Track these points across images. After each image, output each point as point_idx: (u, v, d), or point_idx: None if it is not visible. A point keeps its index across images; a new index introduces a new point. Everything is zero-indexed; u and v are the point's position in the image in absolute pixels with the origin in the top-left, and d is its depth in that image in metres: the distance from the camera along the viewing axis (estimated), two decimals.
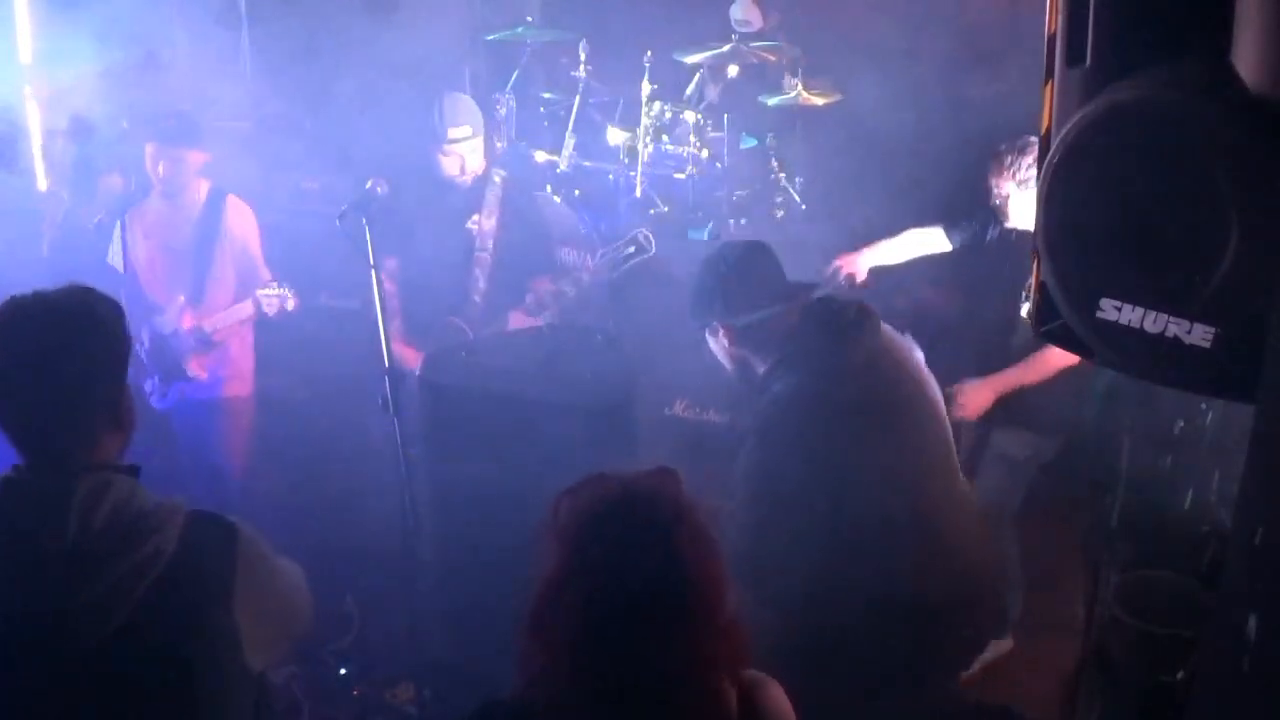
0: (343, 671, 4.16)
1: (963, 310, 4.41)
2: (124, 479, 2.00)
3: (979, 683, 3.87)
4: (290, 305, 4.48)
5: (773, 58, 6.30)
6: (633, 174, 6.10)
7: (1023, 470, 4.31)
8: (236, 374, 4.78)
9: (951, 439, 3.18)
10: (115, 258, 4.58)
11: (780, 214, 6.35)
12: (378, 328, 3.55)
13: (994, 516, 4.02)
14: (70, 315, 2.00)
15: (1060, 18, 1.71)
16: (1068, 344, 1.80)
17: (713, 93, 6.28)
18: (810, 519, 2.79)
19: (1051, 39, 1.73)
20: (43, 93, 5.12)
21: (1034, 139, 4.04)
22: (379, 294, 3.66)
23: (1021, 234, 4.10)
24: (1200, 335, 1.58)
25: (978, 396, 4.10)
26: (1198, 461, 3.69)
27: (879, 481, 2.85)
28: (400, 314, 4.47)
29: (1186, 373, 1.62)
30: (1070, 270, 1.73)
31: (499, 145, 6.29)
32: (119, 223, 4.57)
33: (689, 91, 6.35)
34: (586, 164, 6.30)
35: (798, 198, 6.32)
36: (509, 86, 6.45)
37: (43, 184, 5.15)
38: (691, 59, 6.26)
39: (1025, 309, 3.98)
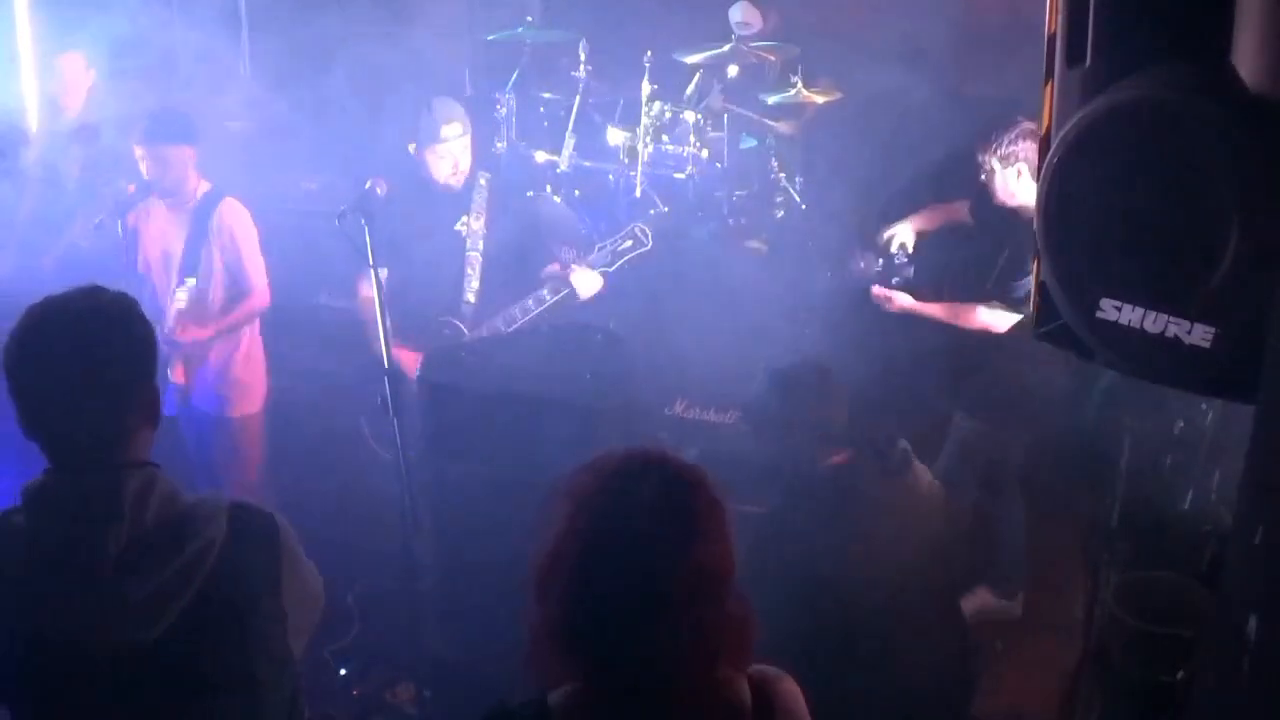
0: (343, 672, 4.16)
1: (939, 290, 4.59)
2: (164, 475, 2.02)
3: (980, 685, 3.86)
4: (179, 306, 4.42)
5: (773, 57, 6.30)
6: (633, 174, 6.10)
7: (977, 450, 4.55)
8: (241, 393, 4.72)
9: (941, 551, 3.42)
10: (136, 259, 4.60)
11: (780, 214, 6.35)
12: (374, 326, 3.55)
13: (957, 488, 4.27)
14: (102, 314, 2.01)
15: (1060, 18, 1.71)
16: (1068, 344, 1.79)
17: (718, 102, 6.28)
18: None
19: (1051, 39, 1.73)
20: (43, 96, 5.10)
21: (1024, 118, 4.25)
22: (379, 294, 3.66)
23: (1001, 211, 4.38)
24: (1200, 335, 1.57)
25: (903, 302, 4.51)
26: (1198, 461, 3.69)
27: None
28: (392, 318, 4.45)
29: (1186, 373, 1.62)
30: (1070, 270, 1.73)
31: (499, 145, 6.29)
32: (120, 223, 4.57)
33: (689, 91, 6.35)
34: (586, 164, 6.30)
35: (798, 198, 6.31)
36: (509, 86, 6.44)
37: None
38: (691, 59, 6.26)
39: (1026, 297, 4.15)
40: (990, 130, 4.35)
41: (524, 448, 3.69)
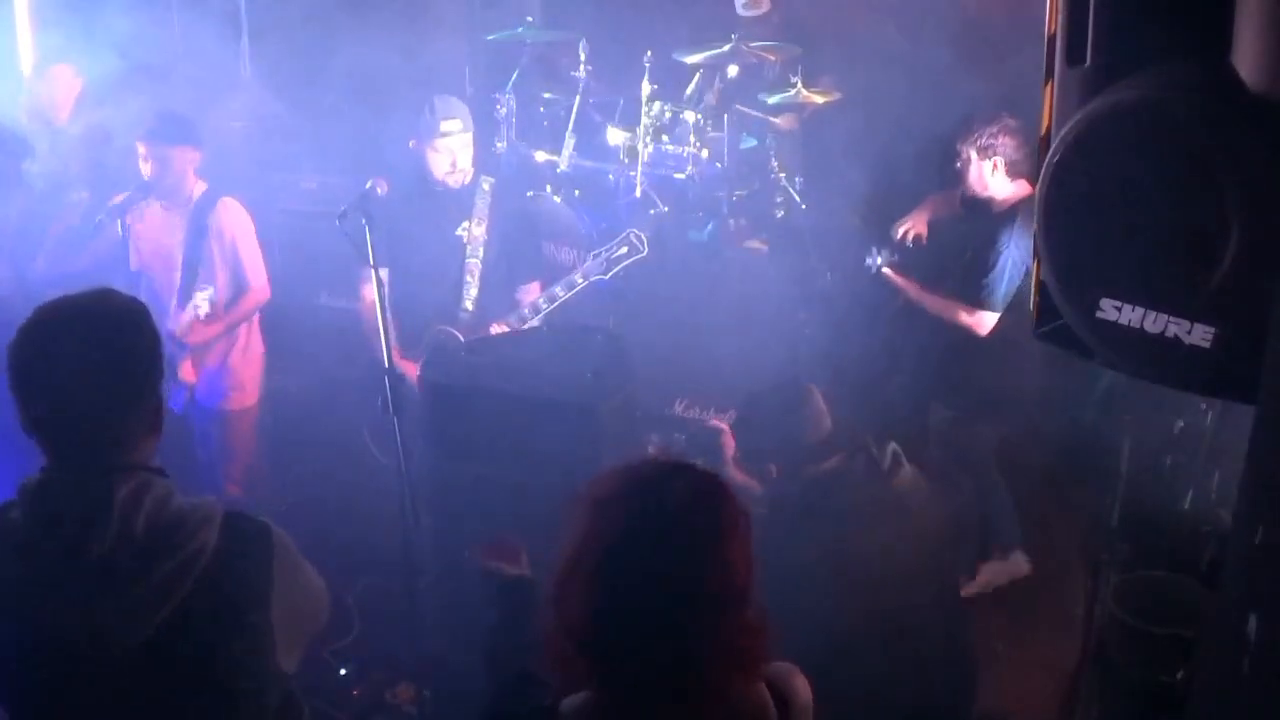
0: (343, 671, 4.15)
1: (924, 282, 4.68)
2: (161, 481, 2.01)
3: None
4: (203, 312, 4.40)
5: (773, 57, 6.30)
6: (633, 174, 6.09)
7: (961, 436, 4.67)
8: (238, 386, 4.76)
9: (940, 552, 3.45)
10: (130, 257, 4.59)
11: (780, 214, 6.35)
12: (374, 326, 3.55)
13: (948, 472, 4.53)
14: (111, 317, 2.02)
15: (1060, 18, 1.71)
16: (1068, 344, 1.79)
17: (711, 97, 6.28)
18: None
19: (1051, 39, 1.73)
20: (43, 99, 5.09)
21: (1007, 115, 4.34)
22: (379, 294, 3.65)
23: (972, 201, 4.50)
24: (1200, 335, 1.58)
25: (910, 287, 4.59)
26: (1198, 461, 3.69)
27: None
28: (393, 324, 4.45)
29: (1186, 373, 1.62)
30: (1070, 270, 1.73)
31: (499, 146, 6.29)
32: (119, 223, 4.57)
33: (689, 91, 6.35)
34: (586, 164, 6.29)
35: (798, 197, 6.32)
36: (509, 86, 6.44)
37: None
38: (691, 59, 6.26)
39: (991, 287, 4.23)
40: (971, 121, 4.41)
41: (524, 447, 3.69)
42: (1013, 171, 4.39)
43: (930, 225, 4.75)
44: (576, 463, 3.50)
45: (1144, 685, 3.38)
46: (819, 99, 6.08)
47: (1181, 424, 3.80)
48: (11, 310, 2.05)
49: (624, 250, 4.31)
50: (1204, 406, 3.64)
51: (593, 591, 1.72)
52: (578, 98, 6.28)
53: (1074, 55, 1.70)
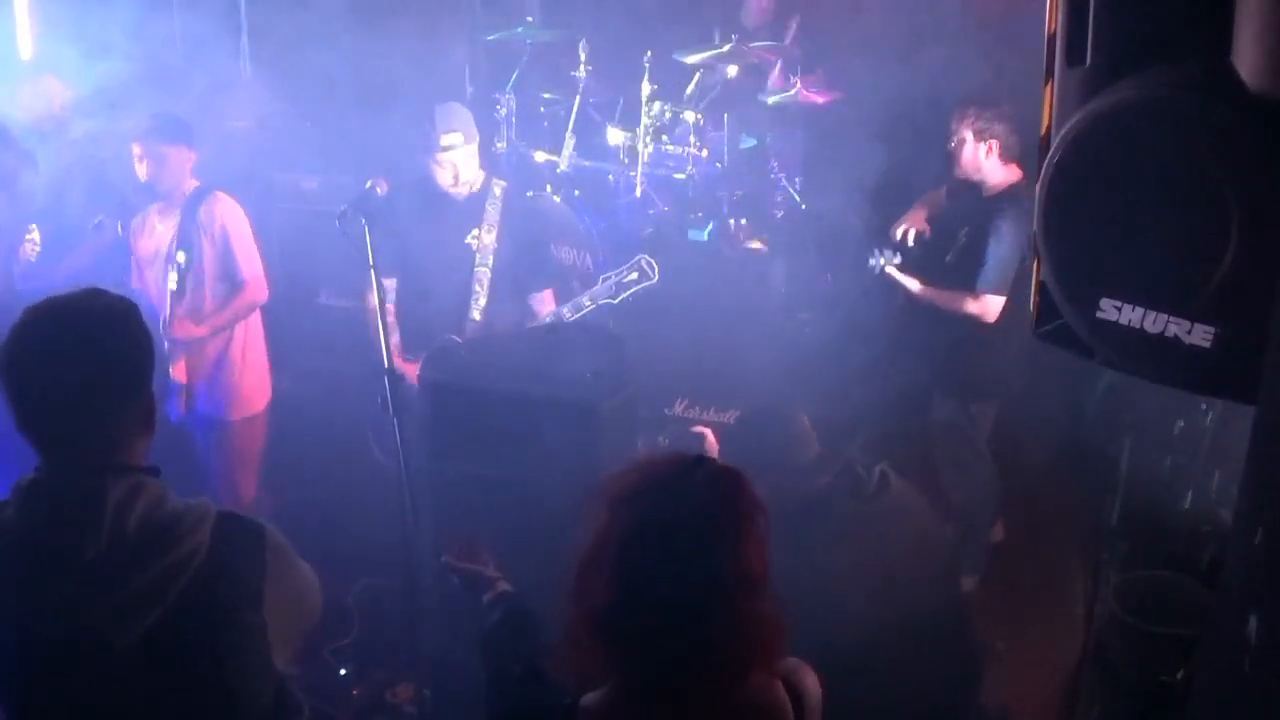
0: (343, 672, 4.16)
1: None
2: (154, 481, 2.01)
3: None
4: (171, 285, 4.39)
5: (773, 57, 6.31)
6: (633, 174, 6.10)
7: (961, 426, 4.74)
8: (237, 393, 4.68)
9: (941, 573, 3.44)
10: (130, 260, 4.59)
11: (780, 214, 6.35)
12: (375, 327, 3.55)
13: (960, 459, 4.73)
14: (103, 316, 2.01)
15: (1060, 18, 1.71)
16: (1068, 344, 1.79)
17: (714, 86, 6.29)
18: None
19: (1051, 39, 1.73)
20: (43, 99, 5.08)
21: (1005, 105, 4.38)
22: (379, 294, 3.65)
23: (962, 184, 4.55)
24: (1200, 335, 1.57)
25: (914, 285, 4.59)
26: (1198, 461, 3.69)
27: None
28: (400, 330, 4.42)
29: (1186, 373, 1.62)
30: (1070, 270, 1.72)
31: (499, 146, 6.29)
32: (119, 223, 4.57)
33: (689, 91, 6.35)
34: (586, 164, 6.30)
35: (797, 197, 6.32)
36: (509, 86, 6.45)
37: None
38: (691, 59, 6.26)
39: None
40: (968, 104, 4.44)
41: (524, 447, 3.69)
42: (1006, 156, 4.42)
43: (927, 221, 4.77)
44: (576, 463, 3.50)
45: (1144, 685, 3.38)
46: (819, 99, 6.09)
47: (1181, 424, 3.80)
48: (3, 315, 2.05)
49: (634, 276, 4.26)
50: (1204, 406, 3.64)
51: (614, 584, 1.75)
52: (578, 98, 6.29)
53: (1074, 55, 1.69)
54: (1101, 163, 1.64)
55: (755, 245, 6.21)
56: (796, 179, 6.37)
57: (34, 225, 4.24)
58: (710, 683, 1.77)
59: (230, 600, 1.99)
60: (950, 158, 4.51)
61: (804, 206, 6.28)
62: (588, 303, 4.34)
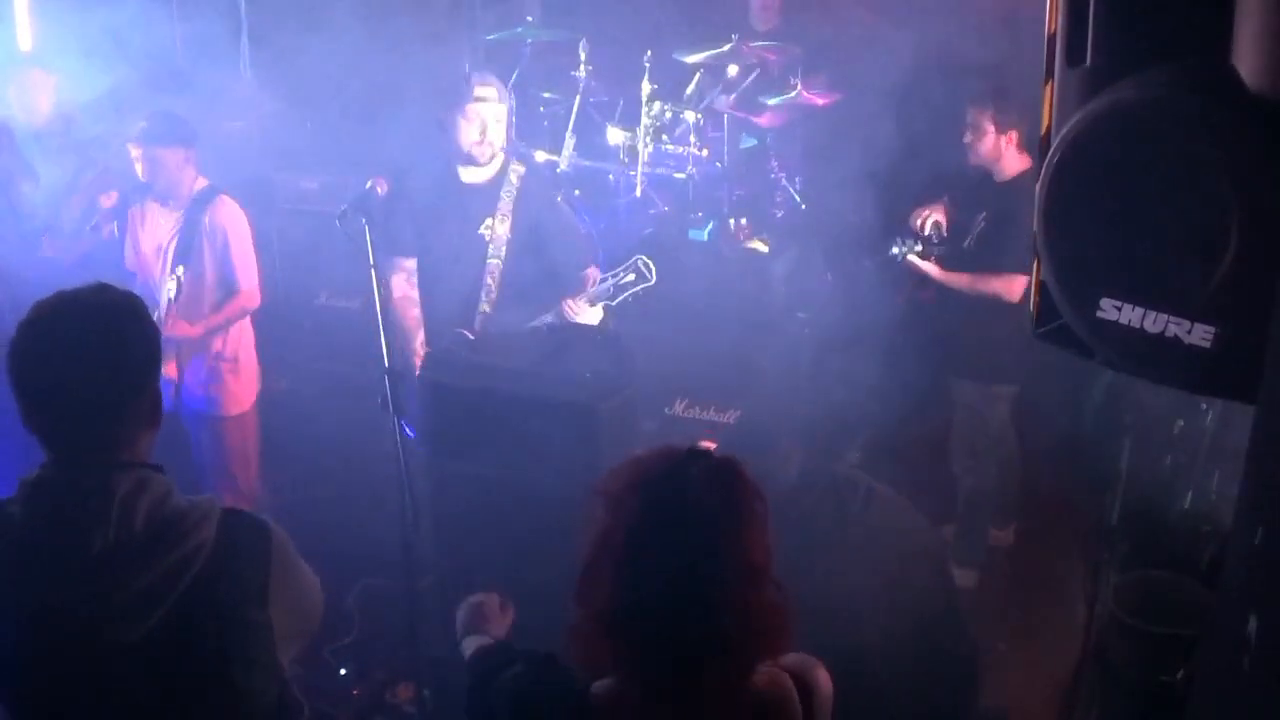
0: (343, 671, 4.16)
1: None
2: (159, 477, 2.01)
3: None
4: (170, 293, 4.37)
5: (773, 57, 6.30)
6: (633, 174, 6.10)
7: (985, 412, 4.80)
8: (231, 392, 4.68)
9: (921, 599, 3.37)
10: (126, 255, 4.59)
11: (780, 214, 6.35)
12: (377, 327, 3.54)
13: (975, 452, 4.80)
14: (109, 311, 2.01)
15: (1060, 18, 1.71)
16: (1068, 344, 1.79)
17: (725, 103, 6.28)
18: None
19: (1051, 39, 1.73)
20: (22, 104, 5.07)
21: (1022, 95, 4.39)
22: (379, 294, 3.65)
23: (977, 172, 4.61)
24: (1200, 335, 1.57)
25: (934, 271, 4.66)
26: (1198, 461, 3.69)
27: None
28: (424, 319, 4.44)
29: (1186, 373, 1.62)
30: (1070, 270, 1.72)
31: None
32: (115, 224, 4.57)
33: (689, 91, 6.35)
34: (586, 164, 6.30)
35: (798, 198, 6.32)
36: (509, 86, 6.43)
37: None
38: (691, 59, 6.26)
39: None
40: (990, 94, 4.50)
41: (524, 447, 3.69)
42: (1023, 146, 4.51)
43: (946, 213, 4.81)
44: (576, 463, 3.50)
45: (1144, 685, 3.38)
46: (819, 99, 6.09)
47: (1181, 424, 3.80)
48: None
49: (632, 277, 4.24)
50: (1204, 406, 3.63)
51: (618, 583, 1.76)
52: (578, 98, 6.29)
53: (1074, 55, 1.69)
54: (1101, 163, 1.64)
55: (755, 245, 6.21)
56: (796, 179, 6.37)
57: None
58: (720, 673, 1.78)
59: (235, 597, 1.99)
60: (968, 147, 4.58)
61: (804, 206, 6.28)
62: (586, 303, 4.33)
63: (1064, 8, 1.69)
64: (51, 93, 5.07)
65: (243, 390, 4.73)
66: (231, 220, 4.55)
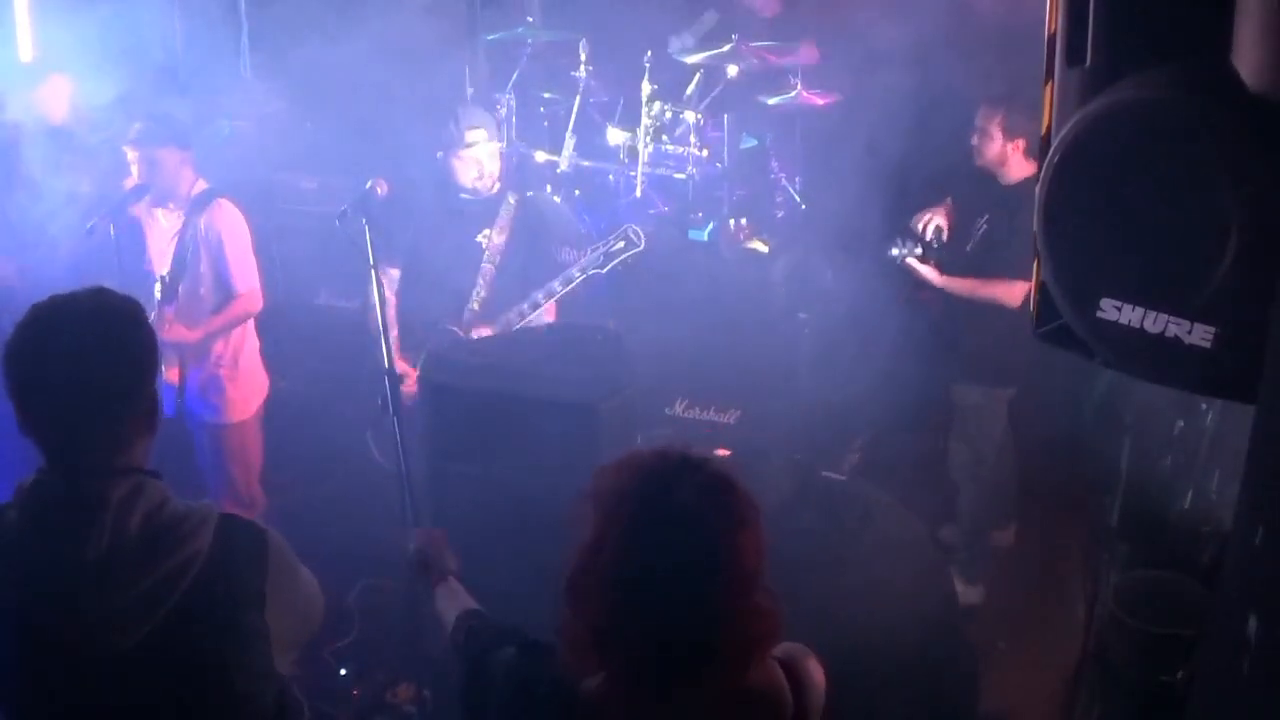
0: (343, 672, 4.16)
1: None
2: (155, 483, 2.00)
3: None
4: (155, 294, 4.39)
5: (773, 57, 6.30)
6: (633, 174, 6.09)
7: (987, 415, 4.78)
8: (234, 400, 4.65)
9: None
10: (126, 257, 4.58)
11: (780, 214, 6.35)
12: (377, 327, 3.54)
13: (979, 456, 4.77)
14: (107, 315, 2.00)
15: (1060, 18, 1.71)
16: (1068, 344, 1.79)
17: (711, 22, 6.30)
18: None
19: (1051, 39, 1.73)
20: (43, 106, 5.08)
21: (1030, 101, 4.30)
22: (379, 294, 3.65)
23: (979, 174, 4.60)
24: (1200, 335, 1.57)
25: (932, 275, 4.64)
26: (1198, 461, 3.69)
27: None
28: (399, 326, 4.44)
29: (1186, 373, 1.62)
30: (1070, 270, 1.73)
31: (499, 147, 6.29)
32: (111, 226, 4.56)
33: (689, 91, 6.35)
34: (586, 164, 6.29)
35: (798, 198, 6.31)
36: (509, 86, 6.44)
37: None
38: (691, 59, 6.26)
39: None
40: (999, 99, 4.50)
41: (524, 448, 3.69)
42: (1029, 154, 4.49)
43: (948, 216, 4.82)
44: (576, 463, 3.49)
45: (1144, 685, 3.38)
46: (819, 100, 6.08)
47: (1181, 424, 3.80)
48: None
49: (621, 245, 4.31)
50: (1204, 406, 3.64)
51: (609, 588, 1.75)
52: (578, 98, 6.29)
53: (1074, 55, 1.69)
54: (1101, 163, 1.64)
55: (755, 245, 6.21)
56: (796, 179, 6.37)
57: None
58: (710, 679, 1.77)
59: (232, 603, 1.99)
60: (975, 149, 4.59)
61: (804, 206, 6.28)
62: (577, 274, 4.41)
63: (1064, 8, 1.70)
64: (68, 97, 5.09)
65: (243, 397, 4.69)
66: (227, 223, 4.52)
